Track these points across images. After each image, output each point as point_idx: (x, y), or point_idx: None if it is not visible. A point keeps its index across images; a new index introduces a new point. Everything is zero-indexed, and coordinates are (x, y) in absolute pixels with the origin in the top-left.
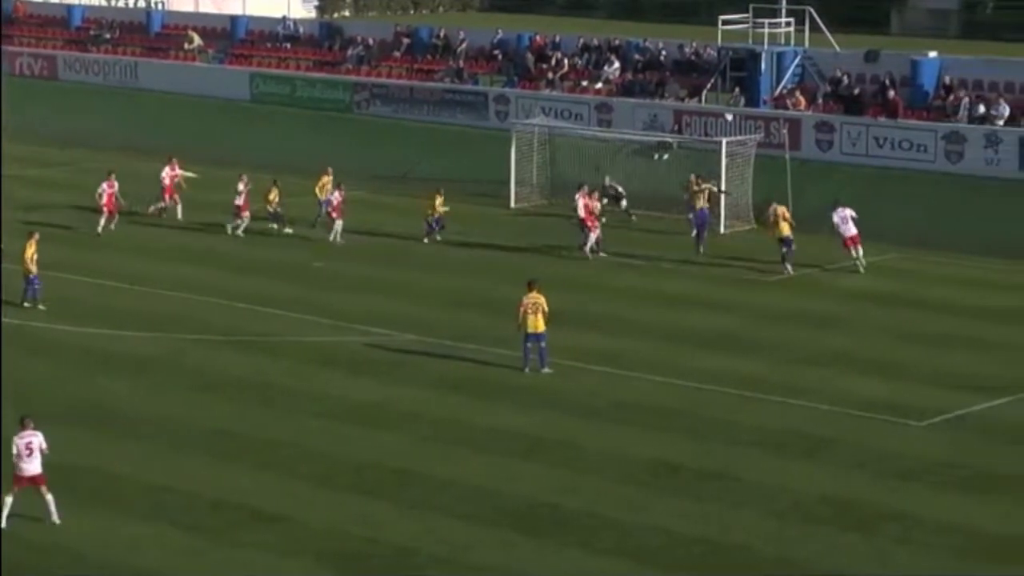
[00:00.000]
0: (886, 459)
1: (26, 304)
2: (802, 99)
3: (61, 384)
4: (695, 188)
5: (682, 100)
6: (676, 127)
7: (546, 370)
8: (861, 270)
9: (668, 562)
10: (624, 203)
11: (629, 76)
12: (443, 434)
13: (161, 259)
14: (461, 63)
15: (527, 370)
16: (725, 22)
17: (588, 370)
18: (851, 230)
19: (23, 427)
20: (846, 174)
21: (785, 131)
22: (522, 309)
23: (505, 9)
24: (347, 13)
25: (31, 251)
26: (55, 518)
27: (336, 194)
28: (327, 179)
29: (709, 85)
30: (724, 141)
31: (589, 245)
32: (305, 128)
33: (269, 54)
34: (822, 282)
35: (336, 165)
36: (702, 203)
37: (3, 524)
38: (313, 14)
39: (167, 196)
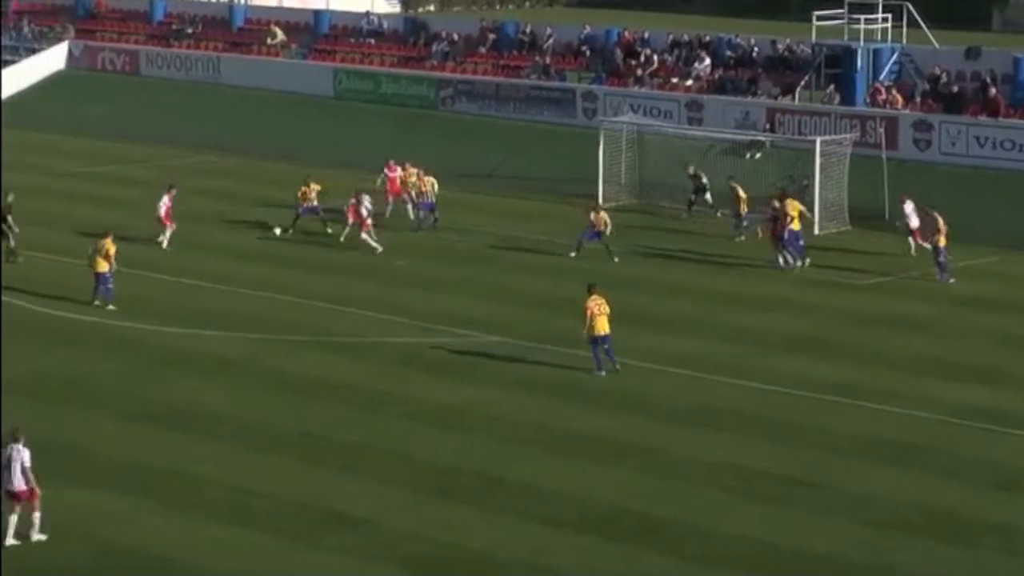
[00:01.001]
0: (984, 468)
1: (96, 303)
2: (899, 97)
3: (140, 384)
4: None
5: (775, 98)
6: (769, 125)
7: (618, 367)
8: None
9: (756, 570)
10: (708, 196)
11: (720, 73)
12: (525, 437)
13: (241, 258)
14: (548, 59)
15: (602, 372)
16: (820, 18)
17: (670, 373)
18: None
19: (15, 440)
20: (945, 174)
21: (882, 130)
22: (589, 312)
23: (593, 4)
24: (432, 8)
25: (112, 249)
26: (10, 539)
27: (165, 199)
28: (414, 170)
29: (803, 82)
30: (819, 140)
31: (783, 258)
32: (389, 125)
33: (353, 49)
34: (917, 286)
35: (420, 163)
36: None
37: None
38: (397, 9)
39: (391, 198)
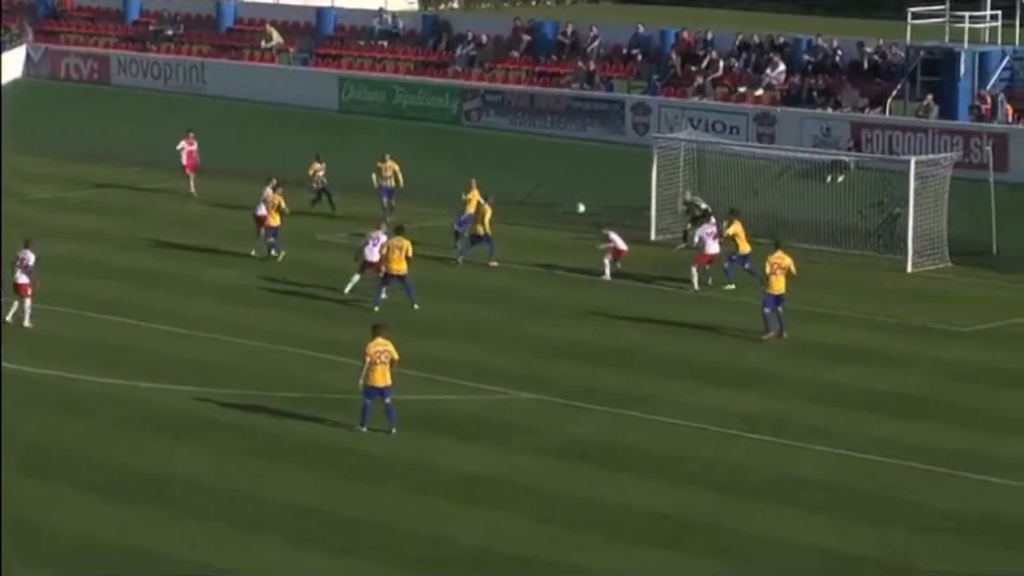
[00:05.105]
0: None
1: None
2: (1010, 108)
3: (105, 449)
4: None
5: (861, 110)
6: (853, 143)
7: (394, 431)
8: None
9: None
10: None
11: (796, 81)
12: (569, 514)
13: (219, 299)
14: (592, 65)
15: (365, 429)
16: (915, 15)
17: (743, 438)
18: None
19: None
20: None
21: (989, 148)
22: (368, 358)
23: (646, 0)
24: (455, 5)
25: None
26: None
27: (268, 192)
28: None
29: (895, 92)
30: (913, 161)
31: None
32: (404, 143)
33: (362, 54)
34: None
35: (440, 187)
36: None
37: None
38: (415, 6)
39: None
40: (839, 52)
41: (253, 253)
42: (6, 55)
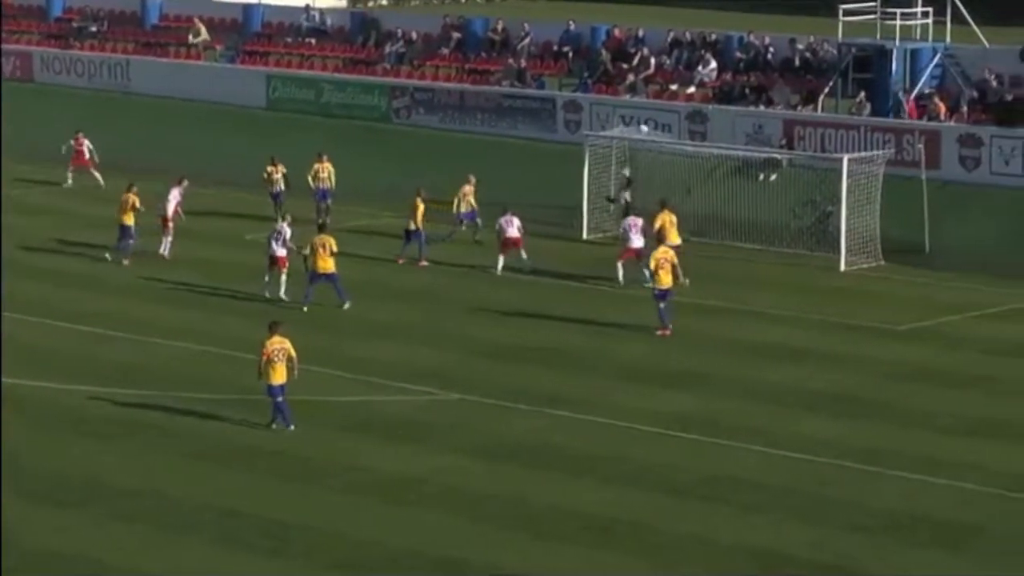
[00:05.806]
0: None
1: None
2: (942, 106)
3: (32, 453)
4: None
5: (793, 107)
6: (786, 141)
7: (292, 427)
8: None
9: None
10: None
11: (728, 78)
12: (497, 515)
13: (150, 301)
14: (523, 62)
15: (292, 428)
16: (847, 12)
17: (671, 437)
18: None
19: None
20: (997, 198)
21: (921, 145)
22: (265, 356)
23: None
24: (384, 2)
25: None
26: None
27: (175, 193)
28: (469, 188)
29: (827, 89)
30: (846, 158)
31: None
32: (333, 141)
33: (290, 51)
34: (964, 332)
35: (368, 185)
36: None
37: None
38: (344, 3)
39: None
40: (771, 49)
41: (162, 251)
42: None
